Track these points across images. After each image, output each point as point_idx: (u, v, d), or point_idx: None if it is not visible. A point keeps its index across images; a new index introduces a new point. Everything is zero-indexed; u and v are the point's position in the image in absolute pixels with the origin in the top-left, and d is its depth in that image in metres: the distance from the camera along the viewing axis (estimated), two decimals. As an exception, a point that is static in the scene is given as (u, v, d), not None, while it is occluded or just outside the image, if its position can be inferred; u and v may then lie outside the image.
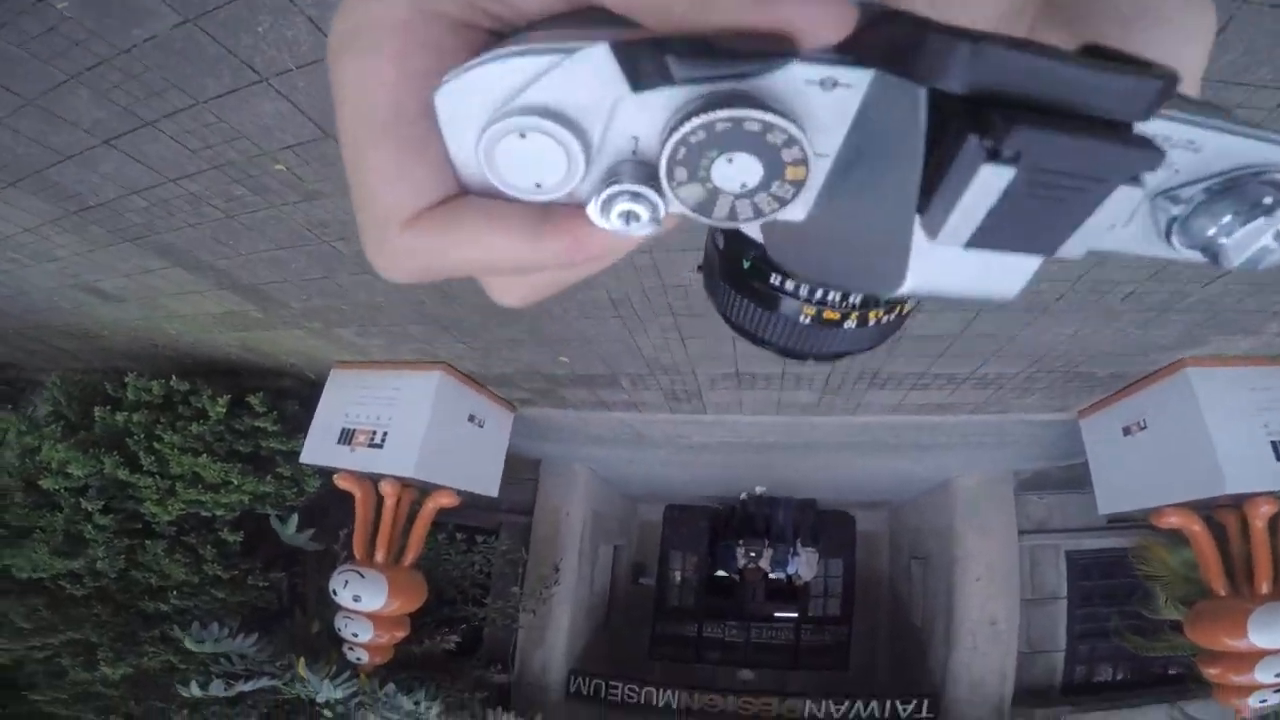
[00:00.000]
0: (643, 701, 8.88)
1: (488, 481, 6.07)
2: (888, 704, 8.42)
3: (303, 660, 5.21)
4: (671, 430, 7.10)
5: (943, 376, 4.66)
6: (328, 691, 4.93)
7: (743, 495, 12.62)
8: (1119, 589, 8.10)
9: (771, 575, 11.64)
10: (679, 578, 14.19)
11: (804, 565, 11.31)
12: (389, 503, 5.40)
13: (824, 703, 8.45)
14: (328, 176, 2.68)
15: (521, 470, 9.33)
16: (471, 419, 5.76)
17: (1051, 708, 7.87)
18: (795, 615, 13.60)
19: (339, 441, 5.38)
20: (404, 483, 5.35)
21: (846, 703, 8.43)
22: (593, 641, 10.71)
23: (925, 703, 8.37)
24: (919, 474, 8.83)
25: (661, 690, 8.94)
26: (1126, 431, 4.61)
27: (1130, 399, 4.58)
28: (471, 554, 7.74)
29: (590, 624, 10.53)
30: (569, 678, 9.11)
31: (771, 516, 11.92)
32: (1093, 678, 8.25)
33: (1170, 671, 7.22)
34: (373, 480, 5.37)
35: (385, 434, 5.25)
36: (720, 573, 12.60)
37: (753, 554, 12.00)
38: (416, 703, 5.26)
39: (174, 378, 5.86)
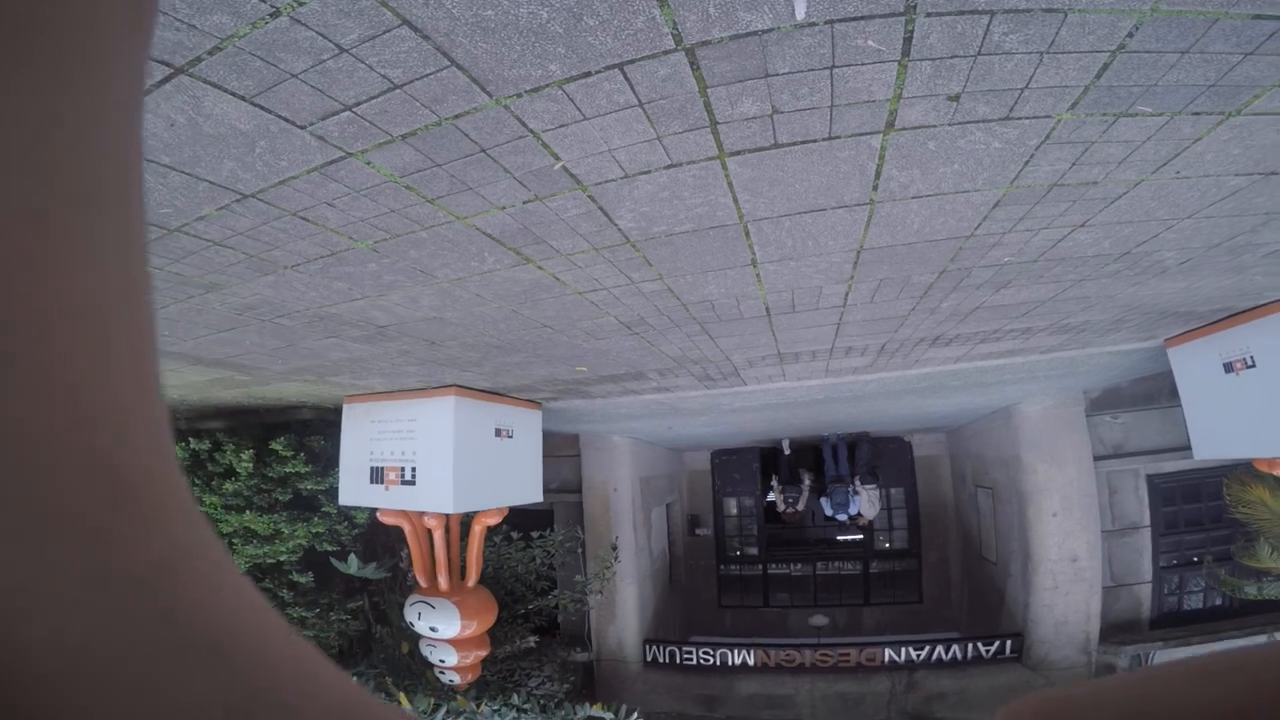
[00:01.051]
0: (719, 662, 8.82)
1: (529, 491, 5.82)
2: (969, 645, 8.19)
3: (404, 695, 5.20)
4: (709, 401, 6.74)
5: (1018, 331, 4.13)
6: None
7: (784, 446, 12.41)
8: (1205, 514, 7.63)
9: (837, 518, 11.35)
10: (736, 523, 14.09)
11: (865, 504, 10.96)
12: (437, 534, 5.23)
13: (904, 649, 8.25)
14: (211, 268, 2.25)
15: (561, 447, 9.15)
16: (498, 433, 5.44)
17: (1140, 643, 7.54)
18: (860, 537, 13.43)
19: (371, 481, 5.14)
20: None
21: (927, 647, 8.22)
22: (662, 604, 10.71)
23: (1008, 643, 8.10)
24: (979, 403, 8.31)
25: (737, 649, 8.85)
26: (1229, 368, 4.03)
27: (1233, 330, 3.98)
28: (531, 550, 7.66)
29: (656, 589, 10.50)
30: (644, 648, 9.10)
31: (821, 458, 11.61)
32: (1182, 607, 7.86)
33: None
34: (417, 513, 5.17)
35: (414, 469, 4.97)
36: (771, 497, 12.43)
37: (790, 499, 11.83)
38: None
39: (191, 439, 5.68)
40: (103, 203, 0.16)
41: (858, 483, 10.95)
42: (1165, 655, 7.55)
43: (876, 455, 11.91)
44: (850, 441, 11.55)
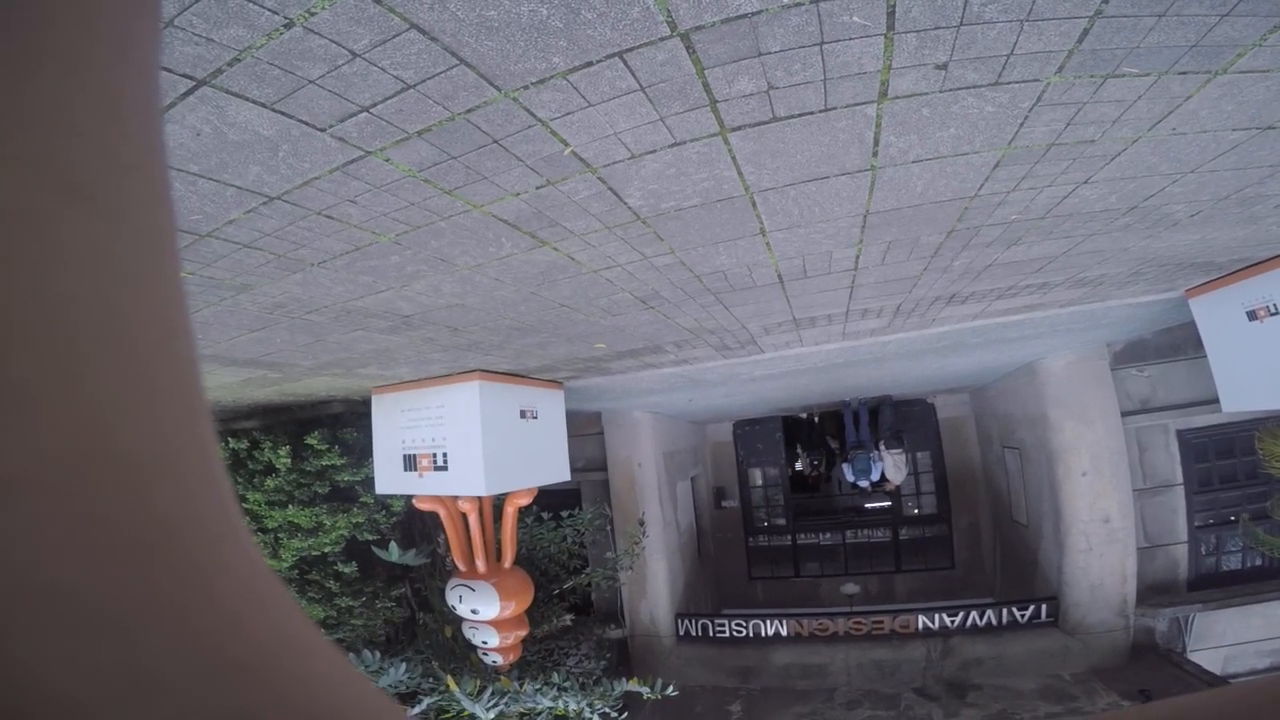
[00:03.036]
0: (751, 634, 8.96)
1: (557, 470, 5.96)
2: (1004, 610, 8.20)
3: (451, 678, 5.41)
4: (728, 371, 6.79)
5: (1034, 286, 4.12)
6: (481, 713, 5.11)
7: (803, 414, 12.61)
8: (1240, 469, 7.51)
9: (860, 484, 11.47)
10: (762, 494, 14.16)
11: (890, 468, 11.03)
12: (472, 517, 5.40)
13: (937, 615, 8.29)
14: (241, 269, 2.36)
15: (584, 425, 9.29)
16: (523, 414, 5.57)
17: (1179, 606, 7.48)
18: (888, 504, 13.50)
19: (405, 469, 5.31)
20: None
21: (961, 613, 8.25)
22: (692, 578, 10.87)
23: (1043, 607, 8.10)
24: (1001, 361, 8.24)
25: (769, 620, 8.97)
26: (1252, 316, 4.00)
27: (1255, 279, 3.94)
28: (561, 529, 7.84)
29: (685, 563, 10.65)
30: (677, 622, 9.27)
31: (844, 425, 11.69)
32: (1220, 567, 7.76)
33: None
34: (451, 497, 5.34)
35: (445, 454, 5.12)
36: (798, 465, 12.75)
37: (815, 462, 12.04)
38: (555, 699, 5.41)
39: (230, 439, 5.91)
40: (118, 205, 0.15)
41: (882, 448, 11.03)
42: (1205, 618, 7.51)
43: (901, 419, 11.94)
44: (871, 407, 11.62)
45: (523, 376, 5.55)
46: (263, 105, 1.41)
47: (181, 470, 0.16)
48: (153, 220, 0.17)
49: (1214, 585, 7.65)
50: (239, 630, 0.15)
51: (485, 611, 5.47)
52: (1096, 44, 1.36)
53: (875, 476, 11.19)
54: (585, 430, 9.37)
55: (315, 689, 0.16)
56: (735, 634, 9.02)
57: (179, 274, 0.18)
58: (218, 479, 0.17)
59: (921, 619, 8.36)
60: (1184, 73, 1.53)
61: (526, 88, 1.43)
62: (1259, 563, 7.59)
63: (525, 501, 5.68)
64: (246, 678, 0.15)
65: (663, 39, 1.32)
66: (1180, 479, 7.72)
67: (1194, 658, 7.43)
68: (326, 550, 6.22)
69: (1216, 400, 4.69)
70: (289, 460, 5.88)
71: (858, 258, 3.04)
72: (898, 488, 11.78)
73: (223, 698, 0.14)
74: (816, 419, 12.94)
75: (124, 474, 0.14)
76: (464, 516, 5.47)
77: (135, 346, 0.15)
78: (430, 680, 5.74)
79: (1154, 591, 7.70)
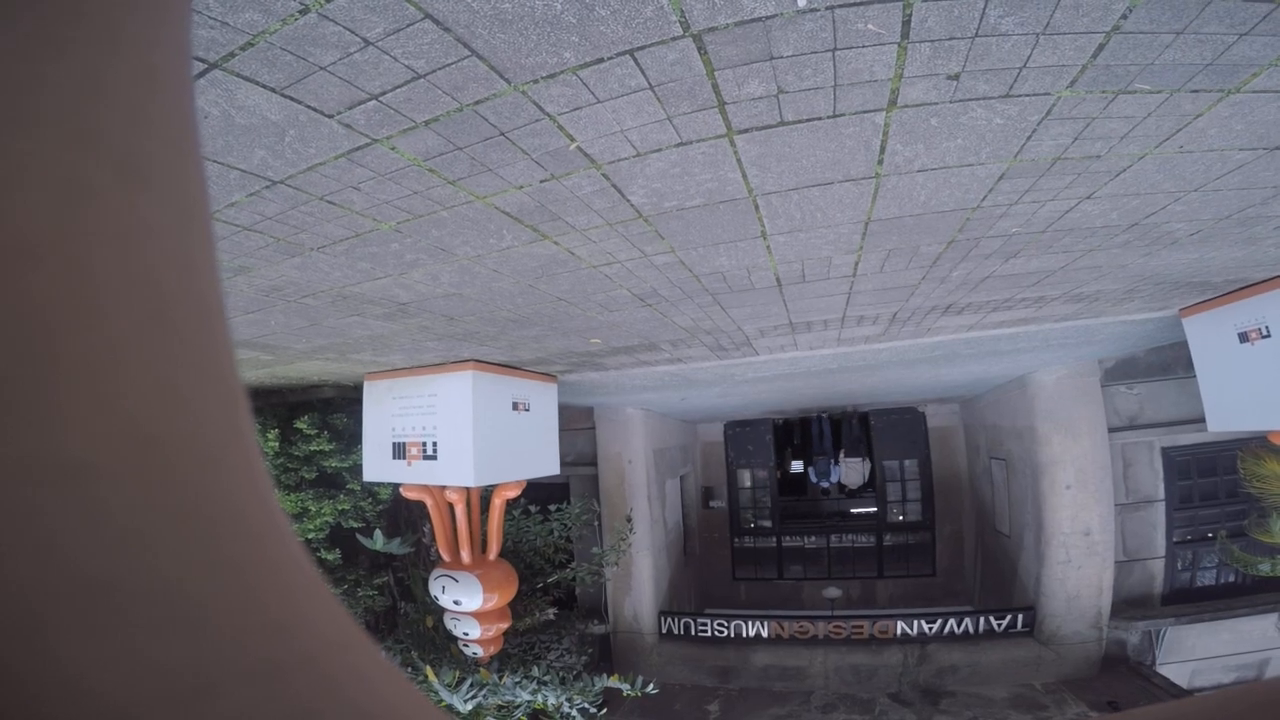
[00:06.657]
0: (733, 634, 8.99)
1: (547, 463, 5.94)
2: (981, 619, 8.27)
3: (430, 669, 5.39)
4: (722, 372, 6.81)
5: (1030, 300, 4.14)
6: (459, 704, 5.10)
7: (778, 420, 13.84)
8: (1220, 488, 7.62)
9: (821, 484, 12.77)
10: (750, 495, 14.22)
11: (844, 474, 12.40)
12: (459, 508, 5.38)
13: (916, 622, 8.35)
14: (240, 252, 2.35)
15: (576, 419, 9.29)
16: (515, 406, 5.55)
17: (1153, 619, 7.58)
18: (874, 509, 13.67)
19: (394, 457, 5.28)
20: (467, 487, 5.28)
21: (939, 620, 8.32)
22: (677, 576, 10.90)
23: (1020, 616, 8.18)
24: (993, 373, 8.31)
25: (751, 621, 9.01)
26: (1244, 338, 4.03)
27: (1248, 301, 3.97)
28: (549, 523, 7.84)
29: (671, 561, 10.68)
30: (660, 620, 9.29)
31: (810, 433, 12.94)
32: (1195, 583, 7.88)
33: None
34: (439, 487, 5.32)
35: (435, 443, 5.10)
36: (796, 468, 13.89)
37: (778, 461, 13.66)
38: (534, 692, 5.41)
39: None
40: (157, 178, 0.15)
41: (842, 454, 12.33)
42: (1176, 631, 7.61)
43: (865, 430, 13.27)
44: (835, 419, 13.03)
45: (516, 368, 5.54)
46: (272, 90, 1.40)
47: (224, 462, 0.15)
48: (192, 199, 0.16)
49: (1187, 600, 7.77)
50: (283, 630, 0.15)
51: (468, 603, 5.45)
52: (1111, 59, 1.37)
53: (834, 479, 12.53)
54: (576, 425, 9.37)
55: (360, 690, 0.16)
56: (717, 634, 9.05)
57: (215, 256, 0.17)
58: (258, 472, 0.17)
59: (900, 625, 8.43)
60: (1196, 91, 1.54)
61: (536, 82, 1.43)
62: (1232, 579, 7.71)
63: (513, 494, 5.67)
64: (292, 679, 0.14)
65: (675, 38, 1.31)
66: (1162, 495, 7.82)
67: (1163, 670, 7.54)
68: (310, 537, 6.20)
69: (1202, 419, 4.74)
70: (277, 444, 5.86)
71: (857, 264, 3.04)
72: (861, 487, 13.10)
73: (268, 700, 0.13)
74: (779, 425, 14.24)
75: (169, 465, 0.14)
76: (451, 507, 5.45)
77: (179, 330, 0.15)
78: (409, 670, 5.73)
79: (1129, 604, 7.80)
